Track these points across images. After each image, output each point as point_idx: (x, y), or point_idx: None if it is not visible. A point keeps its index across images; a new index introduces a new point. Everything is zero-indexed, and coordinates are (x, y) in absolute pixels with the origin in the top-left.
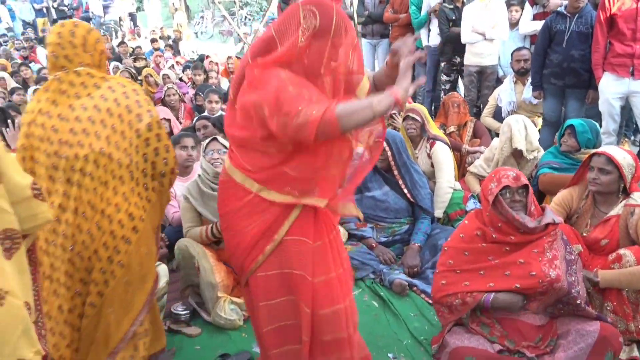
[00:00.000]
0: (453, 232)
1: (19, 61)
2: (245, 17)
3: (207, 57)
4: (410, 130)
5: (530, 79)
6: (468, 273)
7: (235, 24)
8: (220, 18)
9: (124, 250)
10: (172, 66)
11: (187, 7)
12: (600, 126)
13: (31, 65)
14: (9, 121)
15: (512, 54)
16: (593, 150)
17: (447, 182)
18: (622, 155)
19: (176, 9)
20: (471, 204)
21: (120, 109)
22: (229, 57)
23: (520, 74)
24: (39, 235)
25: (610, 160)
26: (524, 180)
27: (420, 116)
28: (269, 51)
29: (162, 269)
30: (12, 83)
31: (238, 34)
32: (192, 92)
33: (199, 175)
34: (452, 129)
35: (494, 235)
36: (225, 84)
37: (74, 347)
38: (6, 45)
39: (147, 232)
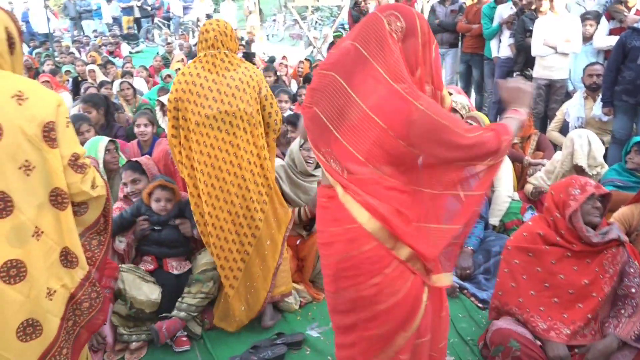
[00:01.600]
0: (516, 232)
1: (107, 56)
2: (316, 21)
3: (284, 57)
4: None
5: (601, 96)
6: (533, 282)
7: (305, 28)
8: (292, 22)
9: (265, 191)
10: None
11: (260, 10)
12: None
13: (115, 60)
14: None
15: (584, 69)
16: None
17: (505, 191)
18: None
19: (250, 12)
20: (528, 215)
21: (252, 82)
22: (300, 61)
23: (591, 90)
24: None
25: None
26: (605, 188)
27: (479, 123)
28: (358, 65)
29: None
30: (101, 76)
31: (308, 38)
32: None
33: (288, 165)
34: (515, 140)
35: (557, 238)
36: (294, 86)
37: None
38: (95, 41)
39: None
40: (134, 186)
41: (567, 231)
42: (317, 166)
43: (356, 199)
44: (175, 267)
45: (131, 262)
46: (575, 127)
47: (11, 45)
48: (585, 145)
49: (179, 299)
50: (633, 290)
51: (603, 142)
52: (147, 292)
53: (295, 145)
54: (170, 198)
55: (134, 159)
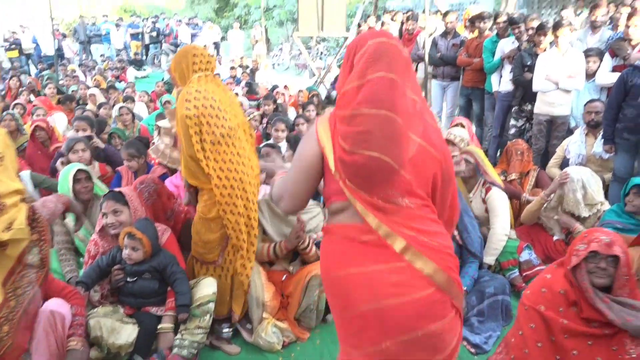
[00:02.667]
0: (532, 284)
1: (112, 80)
2: (321, 52)
3: (285, 87)
4: (461, 173)
5: (602, 133)
6: (547, 353)
7: (309, 58)
8: (297, 51)
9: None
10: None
11: (267, 40)
12: None
13: (120, 84)
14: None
15: (584, 106)
16: None
17: (502, 229)
18: None
19: (257, 41)
20: (525, 255)
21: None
22: (300, 90)
23: (590, 126)
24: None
25: None
26: (617, 250)
27: (474, 159)
28: (401, 96)
29: (210, 280)
30: (101, 99)
31: (312, 69)
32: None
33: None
34: (513, 176)
35: (573, 308)
36: (292, 114)
37: None
38: (101, 65)
39: None
40: (115, 217)
41: (570, 289)
42: None
43: (420, 249)
44: (155, 310)
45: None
46: (576, 164)
47: None
48: (579, 190)
49: (178, 336)
50: None
51: (604, 180)
52: (126, 336)
53: (274, 179)
54: (136, 247)
55: (117, 189)
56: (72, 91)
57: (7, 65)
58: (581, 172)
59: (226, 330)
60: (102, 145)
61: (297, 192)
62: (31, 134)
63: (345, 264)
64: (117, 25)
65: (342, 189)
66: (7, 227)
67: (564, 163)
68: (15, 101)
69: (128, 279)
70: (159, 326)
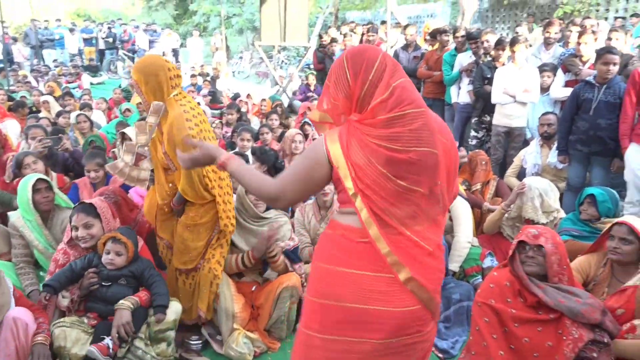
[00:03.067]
0: (483, 284)
1: (67, 86)
2: (282, 61)
3: (248, 95)
4: None
5: (556, 144)
6: (502, 343)
7: (271, 67)
8: (258, 60)
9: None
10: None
11: (227, 47)
12: (625, 195)
13: (75, 91)
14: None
15: (539, 118)
16: (614, 220)
17: (465, 237)
18: None
19: (217, 49)
20: (488, 261)
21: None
22: (263, 99)
23: (544, 138)
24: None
25: (632, 230)
26: (542, 241)
27: None
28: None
29: (175, 306)
30: (55, 107)
31: (274, 77)
32: (225, 129)
33: (237, 209)
34: (477, 186)
35: (520, 299)
36: (255, 123)
37: None
38: (55, 71)
39: None
40: (85, 231)
41: (513, 280)
42: (267, 209)
43: (421, 281)
44: None
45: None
46: (532, 174)
47: None
48: (537, 198)
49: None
50: (594, 354)
51: (558, 189)
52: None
53: (241, 189)
54: (120, 252)
55: (87, 201)
56: (22, 97)
57: None
58: (539, 182)
59: (195, 342)
60: (70, 147)
61: (296, 199)
62: None
63: (339, 260)
64: (71, 30)
65: (359, 208)
66: None
67: (521, 173)
68: None
69: (103, 284)
70: (118, 302)
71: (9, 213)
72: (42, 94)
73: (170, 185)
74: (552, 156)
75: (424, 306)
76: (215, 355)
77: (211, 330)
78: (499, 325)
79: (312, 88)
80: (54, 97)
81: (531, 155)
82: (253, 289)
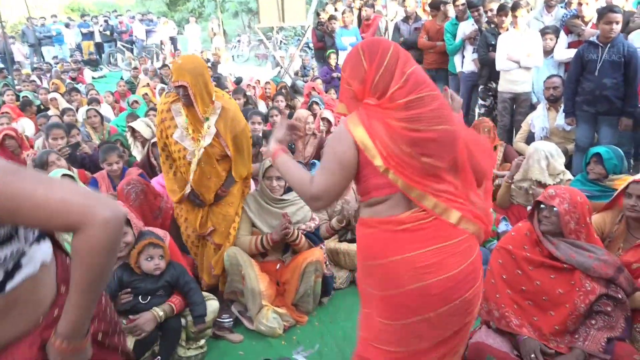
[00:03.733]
0: (507, 233)
1: (72, 83)
2: (281, 41)
3: (256, 80)
4: None
5: (562, 106)
6: (511, 283)
7: (271, 48)
8: (257, 42)
9: None
10: None
11: (224, 32)
12: (634, 153)
13: (78, 86)
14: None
15: (544, 82)
16: (622, 176)
17: None
18: None
19: (215, 34)
20: (502, 226)
21: None
22: (267, 82)
23: (551, 101)
24: None
25: None
26: (556, 202)
27: None
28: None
29: (212, 305)
30: (63, 103)
31: (274, 58)
32: None
33: (257, 191)
34: None
35: (537, 248)
36: (262, 106)
37: None
38: (57, 67)
39: None
40: (123, 239)
41: (533, 231)
42: (287, 190)
43: (469, 217)
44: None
45: None
46: (541, 138)
47: None
48: (543, 160)
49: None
50: (609, 308)
51: (567, 151)
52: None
53: (259, 173)
54: (162, 254)
55: None
56: (24, 97)
57: None
58: (545, 145)
59: (227, 320)
60: (89, 151)
61: (336, 193)
62: (0, 143)
63: (388, 252)
64: (67, 25)
65: (394, 180)
66: None
67: (530, 137)
68: None
69: (140, 299)
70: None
71: None
72: (49, 92)
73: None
74: (560, 119)
75: (474, 259)
76: (247, 331)
77: (241, 307)
78: (512, 267)
79: (333, 67)
80: (60, 93)
81: (538, 119)
82: (277, 267)
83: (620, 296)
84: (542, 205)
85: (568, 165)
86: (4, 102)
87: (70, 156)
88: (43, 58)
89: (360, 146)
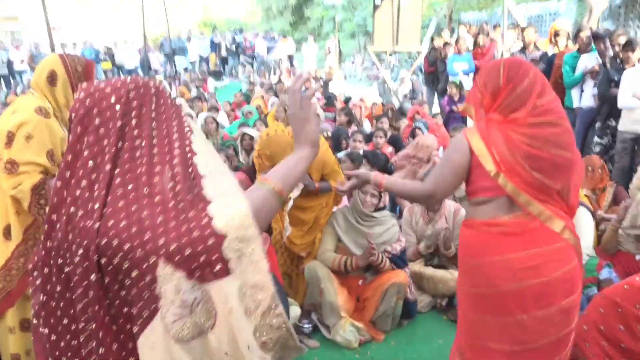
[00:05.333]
0: (618, 284)
1: (200, 91)
2: (394, 64)
3: (361, 99)
4: None
5: None
6: (610, 338)
7: (384, 72)
8: (370, 63)
9: None
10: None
11: (340, 51)
12: None
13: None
14: None
15: None
16: None
17: (585, 247)
18: None
19: (330, 52)
20: (605, 273)
21: None
22: (374, 103)
23: None
24: None
25: None
26: None
27: None
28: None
29: (294, 311)
30: (186, 109)
31: (383, 81)
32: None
33: (346, 207)
34: (584, 192)
35: None
36: (367, 125)
37: None
38: (185, 77)
39: None
40: None
41: None
42: (377, 209)
43: (570, 227)
44: None
45: None
46: None
47: (52, 81)
48: None
49: None
50: None
51: None
52: None
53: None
54: None
55: None
56: None
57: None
58: None
59: (307, 326)
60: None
61: (448, 191)
62: None
63: (487, 253)
64: (188, 39)
65: (503, 184)
66: (14, 187)
67: None
68: None
69: None
70: None
71: None
72: (176, 98)
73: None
74: None
75: (572, 267)
76: (324, 339)
77: (320, 316)
78: (615, 321)
79: (456, 98)
80: (185, 99)
81: None
82: (360, 282)
83: None
84: None
85: None
86: None
87: None
88: (175, 67)
89: (475, 151)
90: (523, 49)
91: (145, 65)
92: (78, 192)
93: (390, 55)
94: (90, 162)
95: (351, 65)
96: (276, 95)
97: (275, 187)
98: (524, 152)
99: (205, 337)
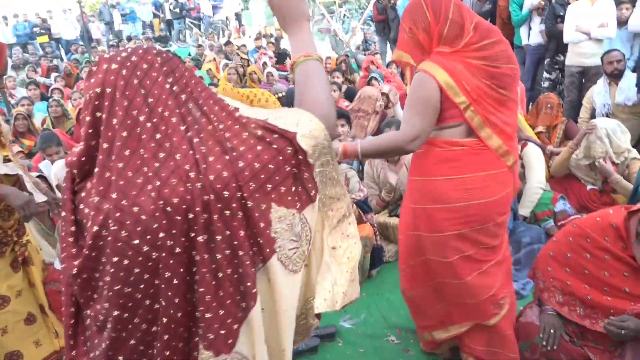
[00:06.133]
0: (591, 214)
1: None
2: (344, 15)
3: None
4: None
5: (622, 81)
6: (573, 263)
7: (333, 22)
8: (320, 16)
9: None
10: (265, 63)
11: None
12: None
13: None
14: None
15: (602, 57)
16: None
17: (537, 182)
18: None
19: None
20: (560, 205)
21: None
22: (327, 57)
23: (614, 76)
24: None
25: None
26: None
27: None
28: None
29: None
30: None
31: (334, 34)
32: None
33: None
34: (540, 129)
35: (621, 244)
36: None
37: None
38: (129, 45)
39: None
40: None
41: (623, 226)
42: None
43: (512, 151)
44: None
45: None
46: (602, 115)
47: None
48: (605, 138)
49: None
50: None
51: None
52: None
53: None
54: None
55: None
56: None
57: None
58: (607, 122)
59: None
60: None
61: (430, 129)
62: (76, 117)
63: (443, 171)
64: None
65: (471, 118)
66: None
67: (592, 113)
68: (53, 86)
69: None
70: None
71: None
72: None
73: None
74: (619, 95)
75: (509, 191)
76: None
77: None
78: (582, 249)
79: None
80: None
81: (599, 95)
82: None
83: None
84: None
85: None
86: (82, 78)
87: None
88: (118, 36)
89: (444, 86)
90: None
91: (86, 36)
92: (157, 165)
93: (340, 6)
94: (158, 134)
95: None
96: (227, 57)
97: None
98: (486, 73)
99: (305, 266)
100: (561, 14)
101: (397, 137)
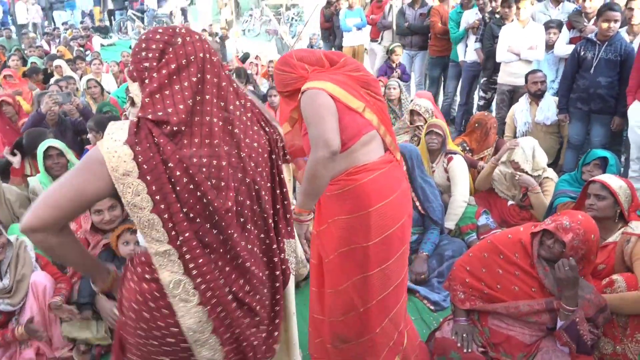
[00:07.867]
0: (504, 231)
1: (81, 50)
2: (292, 18)
3: (257, 57)
4: (432, 144)
5: (542, 101)
6: (487, 277)
7: (280, 26)
8: (268, 17)
9: None
10: None
11: (237, 4)
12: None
13: (87, 53)
14: None
15: (526, 77)
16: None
17: (461, 196)
18: (618, 183)
19: (225, 4)
20: (483, 219)
21: None
22: (271, 61)
23: (537, 96)
24: None
25: (605, 186)
26: (568, 238)
27: (443, 131)
28: None
29: None
30: (67, 70)
31: (280, 37)
32: None
33: None
34: (488, 151)
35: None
36: (264, 84)
37: None
38: (66, 34)
39: None
40: (111, 213)
41: (530, 245)
42: None
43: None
44: None
45: None
46: (523, 132)
47: None
48: (529, 149)
49: None
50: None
51: (552, 146)
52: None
53: None
54: (138, 241)
55: None
56: (32, 63)
57: None
58: (527, 141)
59: None
60: (81, 104)
61: (338, 135)
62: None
63: (385, 194)
64: None
65: (370, 118)
66: None
67: (515, 131)
68: None
69: None
70: None
71: (29, 178)
72: (55, 58)
73: None
74: (539, 114)
75: (405, 187)
76: None
77: None
78: (495, 265)
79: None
80: (65, 60)
81: (521, 113)
82: None
83: (595, 333)
84: (549, 234)
85: (555, 161)
86: (8, 66)
87: (62, 123)
88: (54, 23)
89: (339, 96)
90: (412, 4)
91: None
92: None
93: (288, 9)
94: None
95: (249, 20)
96: None
97: None
98: (363, 81)
99: None
100: (498, 34)
101: (317, 160)
